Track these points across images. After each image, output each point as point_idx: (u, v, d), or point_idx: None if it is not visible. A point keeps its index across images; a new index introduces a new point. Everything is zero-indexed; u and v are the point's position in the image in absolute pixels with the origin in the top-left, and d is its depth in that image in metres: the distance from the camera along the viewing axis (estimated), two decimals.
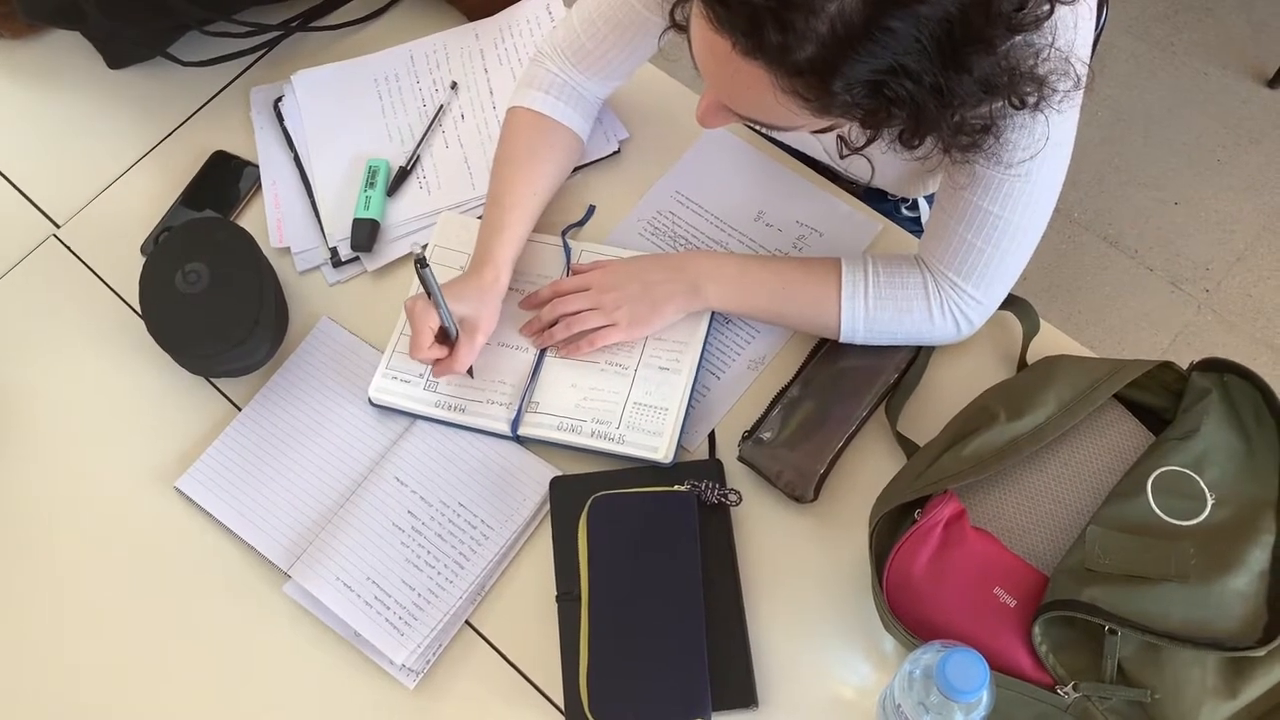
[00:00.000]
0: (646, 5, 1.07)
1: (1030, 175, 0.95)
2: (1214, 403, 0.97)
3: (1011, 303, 1.09)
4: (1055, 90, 0.83)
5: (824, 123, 0.84)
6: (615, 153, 1.25)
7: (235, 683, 1.03)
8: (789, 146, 1.27)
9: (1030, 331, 1.10)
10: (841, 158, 1.05)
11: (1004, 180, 0.96)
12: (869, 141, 0.93)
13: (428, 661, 1.01)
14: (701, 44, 0.81)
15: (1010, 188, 0.96)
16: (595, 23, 1.12)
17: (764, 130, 1.19)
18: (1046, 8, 0.78)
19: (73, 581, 1.08)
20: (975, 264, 1.02)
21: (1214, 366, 1.00)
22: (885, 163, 1.11)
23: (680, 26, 0.94)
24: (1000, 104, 0.82)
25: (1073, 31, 0.87)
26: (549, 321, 1.11)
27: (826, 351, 1.10)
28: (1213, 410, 0.97)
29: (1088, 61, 0.90)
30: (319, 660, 1.03)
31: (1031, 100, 0.83)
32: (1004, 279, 1.04)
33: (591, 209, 1.22)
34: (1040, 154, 0.92)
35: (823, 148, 1.15)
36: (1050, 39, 0.81)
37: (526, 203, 1.13)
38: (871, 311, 1.05)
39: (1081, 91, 0.88)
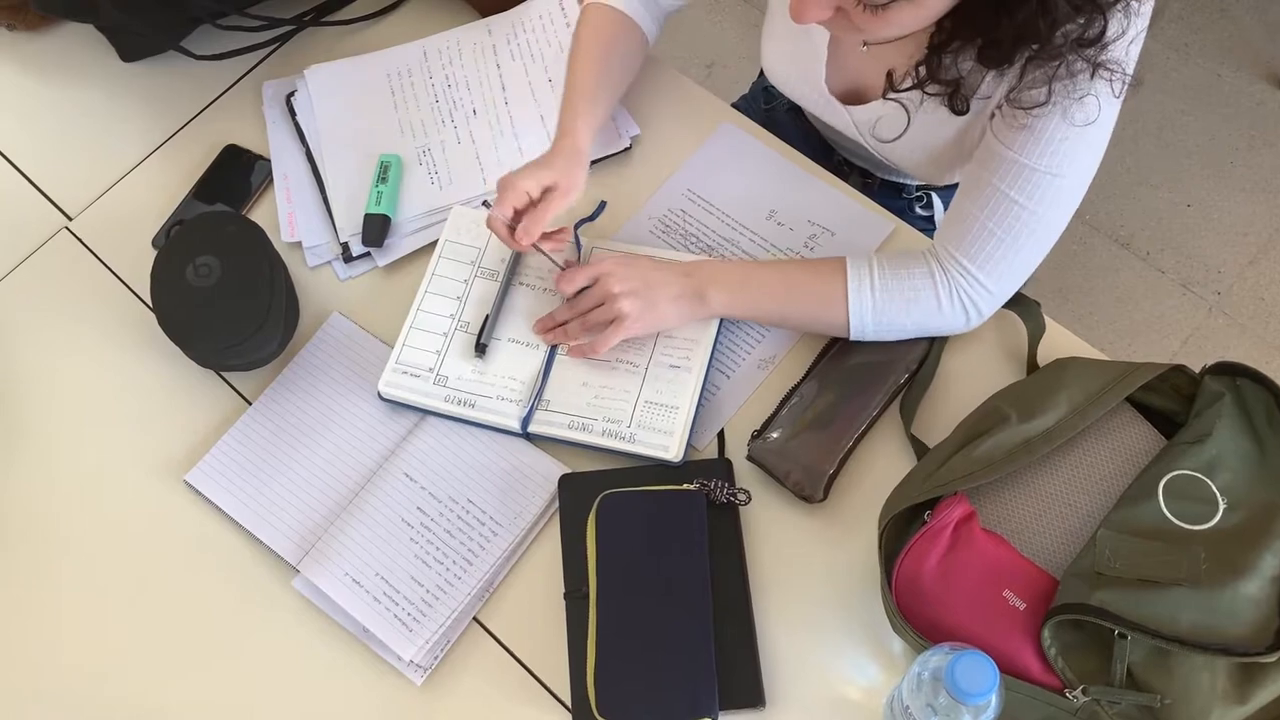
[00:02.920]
0: None
1: (1059, 172, 0.96)
2: (1226, 407, 0.97)
3: (1017, 302, 1.09)
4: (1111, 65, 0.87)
5: None
6: (627, 149, 1.25)
7: (242, 677, 1.03)
8: (806, 145, 1.27)
9: (1035, 332, 1.09)
10: (886, 97, 1.03)
11: (1034, 173, 0.96)
12: (920, 81, 0.93)
13: (435, 658, 1.01)
14: None
15: (1039, 180, 0.97)
16: None
17: (800, 90, 1.19)
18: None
19: (81, 574, 1.08)
20: (992, 252, 1.01)
21: (1227, 370, 0.99)
22: (921, 137, 1.10)
23: None
24: (1095, 14, 0.84)
25: (1128, 35, 0.89)
26: (563, 319, 1.11)
27: (836, 351, 1.10)
28: (1225, 414, 0.96)
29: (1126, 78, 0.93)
30: (327, 655, 1.03)
31: (1105, 41, 0.85)
32: (1017, 271, 1.04)
33: (602, 204, 1.21)
34: (1069, 153, 0.93)
35: (853, 121, 1.14)
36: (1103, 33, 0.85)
37: (602, 88, 1.16)
38: (879, 304, 1.05)
39: (1121, 98, 0.92)
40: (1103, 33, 0.85)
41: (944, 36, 0.90)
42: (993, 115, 1.00)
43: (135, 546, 1.09)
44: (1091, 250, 2.18)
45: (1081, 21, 0.84)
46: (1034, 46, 0.86)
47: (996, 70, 0.90)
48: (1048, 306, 1.11)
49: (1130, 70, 0.91)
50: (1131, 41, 0.91)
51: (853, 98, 1.16)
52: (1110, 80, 0.90)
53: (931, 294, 1.04)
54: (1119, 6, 0.85)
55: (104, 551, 1.09)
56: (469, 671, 1.02)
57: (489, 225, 1.08)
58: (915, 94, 1.00)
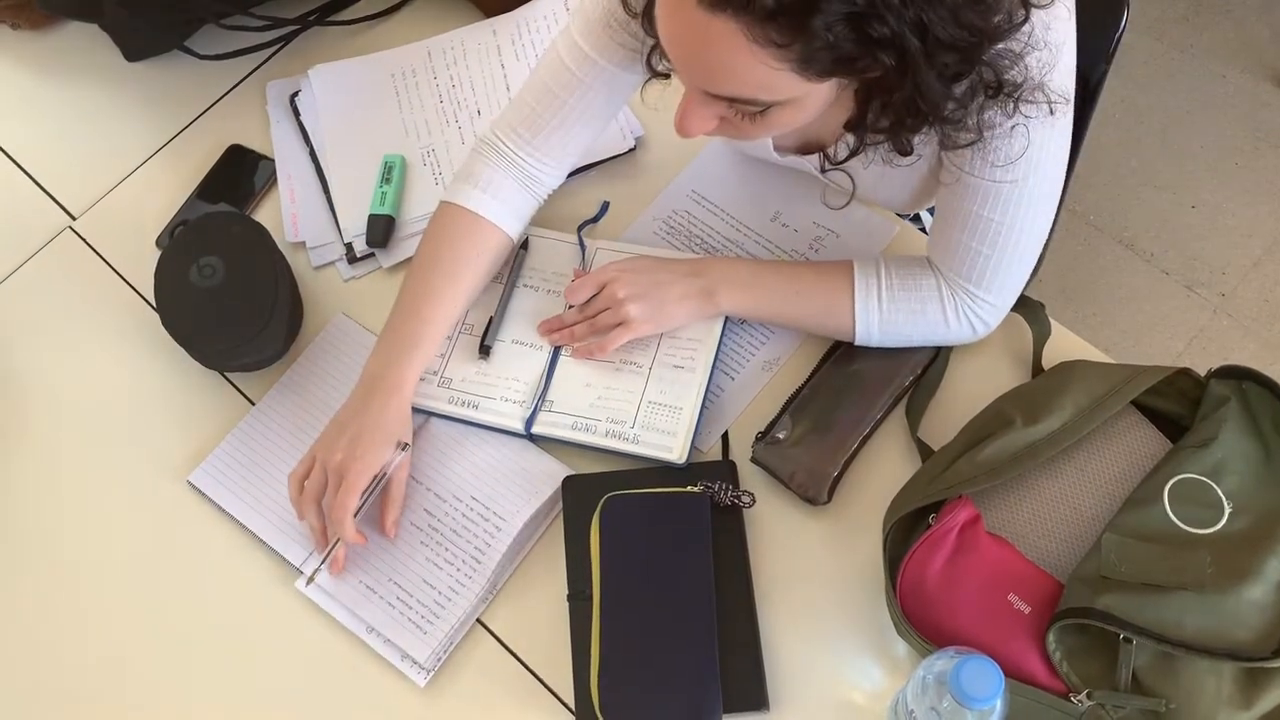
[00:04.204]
0: (606, 56, 1.02)
1: (1023, 180, 0.94)
2: (1232, 410, 0.97)
3: (1022, 305, 1.08)
4: (1030, 98, 0.85)
5: (810, 86, 0.80)
6: (631, 150, 1.24)
7: (245, 678, 1.03)
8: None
9: (1041, 334, 1.09)
10: (824, 171, 1.04)
11: (999, 188, 0.95)
12: (855, 150, 0.92)
13: (439, 659, 1.01)
14: (668, 18, 0.79)
15: (1008, 194, 0.95)
16: (550, 89, 1.06)
17: (750, 150, 1.18)
18: (1021, 14, 0.80)
19: (84, 575, 1.08)
20: (984, 270, 1.01)
21: (1232, 374, 0.99)
22: (871, 180, 1.09)
23: (658, 73, 0.95)
24: (983, 70, 0.82)
25: (1050, 65, 0.87)
26: (570, 323, 1.11)
27: (841, 353, 1.10)
28: (1231, 418, 0.96)
29: (1068, 94, 0.90)
30: (330, 656, 1.03)
31: (1008, 90, 0.83)
32: (1013, 280, 1.03)
33: (605, 205, 1.21)
34: (1031, 159, 0.92)
35: (812, 167, 1.14)
36: (1024, 44, 0.83)
37: (448, 317, 1.08)
38: (886, 315, 1.05)
39: (1067, 106, 0.90)
40: (999, 84, 0.83)
41: (857, 113, 0.88)
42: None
43: (138, 546, 1.09)
44: (1096, 252, 2.18)
45: (966, 88, 0.82)
46: (929, 118, 0.84)
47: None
48: (1051, 308, 1.10)
49: (1055, 94, 0.87)
50: (1050, 69, 0.87)
51: (808, 148, 1.13)
52: (1036, 109, 0.87)
53: (938, 308, 1.04)
54: (1014, 64, 0.82)
55: (106, 551, 1.09)
56: (472, 673, 1.02)
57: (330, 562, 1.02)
58: (856, 158, 0.98)
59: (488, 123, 1.13)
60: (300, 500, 1.04)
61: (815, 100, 0.83)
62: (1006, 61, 0.82)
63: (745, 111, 0.85)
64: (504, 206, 1.10)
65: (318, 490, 1.03)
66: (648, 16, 0.88)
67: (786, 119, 0.86)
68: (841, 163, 1.00)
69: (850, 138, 0.92)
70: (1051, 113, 0.88)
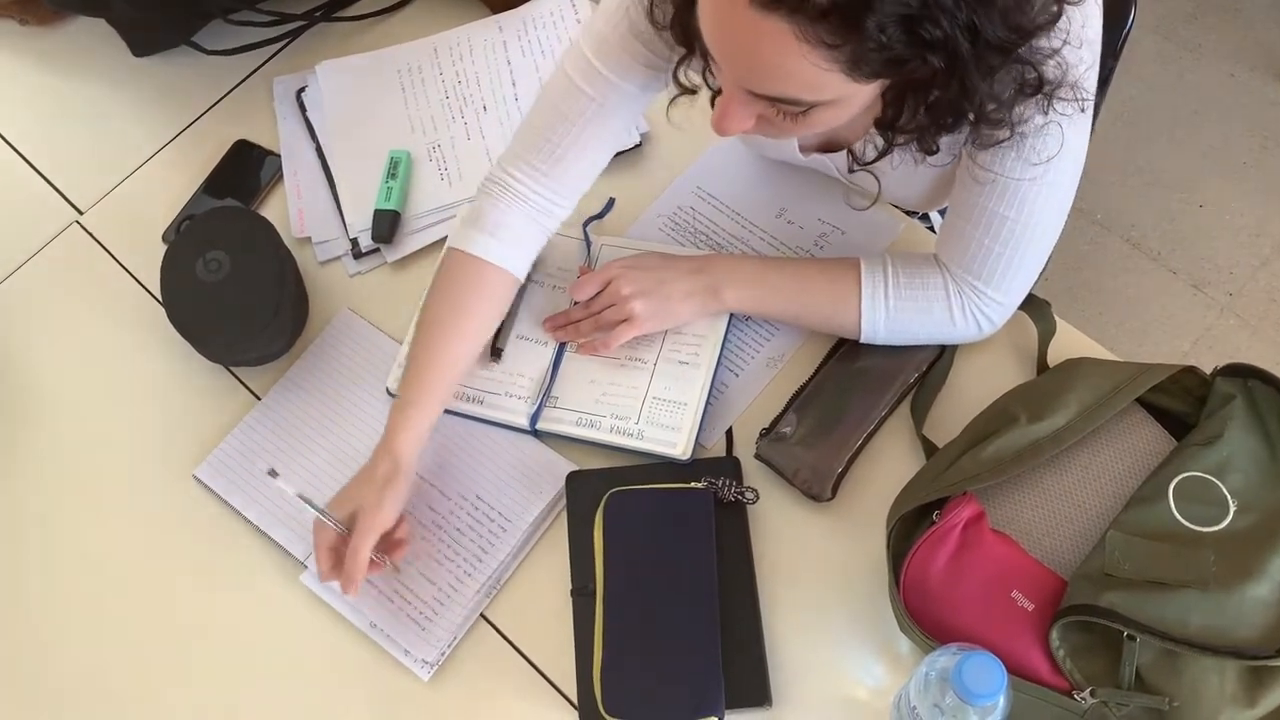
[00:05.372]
0: (624, 75, 1.00)
1: (1043, 179, 0.94)
2: (1237, 408, 0.96)
3: (1028, 302, 1.08)
4: (1065, 95, 0.84)
5: (858, 87, 0.79)
6: (637, 146, 1.24)
7: (250, 672, 1.03)
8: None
9: (1047, 332, 1.09)
10: (851, 171, 1.04)
11: (1018, 185, 0.95)
12: (885, 150, 0.92)
13: (442, 654, 1.01)
14: (714, 16, 0.78)
15: (1026, 191, 0.95)
16: (562, 113, 1.03)
17: (772, 153, 1.18)
18: (1055, 9, 0.78)
19: (89, 569, 1.08)
20: (994, 267, 1.01)
21: (1238, 372, 0.99)
22: (897, 179, 1.09)
23: (685, 89, 0.94)
24: (1026, 69, 0.81)
25: (1090, 63, 0.87)
26: (576, 319, 1.11)
27: (846, 350, 1.10)
28: (1236, 416, 0.96)
29: (1091, 94, 0.90)
30: (334, 650, 1.03)
31: (1047, 89, 0.83)
32: (1023, 279, 1.03)
33: (611, 201, 1.21)
34: (1054, 158, 0.92)
35: (835, 167, 1.14)
36: (1060, 42, 0.82)
37: (447, 374, 1.04)
38: (892, 312, 1.05)
39: (1092, 104, 0.89)
40: (1040, 82, 0.82)
41: (889, 112, 0.87)
42: (966, 140, 0.98)
43: (143, 541, 1.09)
44: (1103, 250, 2.17)
45: (1013, 85, 0.82)
46: (971, 117, 0.84)
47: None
48: (1058, 306, 1.10)
49: (1090, 95, 0.88)
50: (1088, 68, 0.87)
51: (830, 146, 1.12)
52: (1070, 106, 0.87)
53: (944, 306, 1.04)
54: (1050, 58, 0.82)
55: (111, 545, 1.09)
56: (475, 668, 1.02)
57: (328, 580, 1.00)
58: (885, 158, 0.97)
59: (494, 160, 1.09)
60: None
61: (858, 100, 0.82)
62: (1042, 56, 0.82)
63: (787, 111, 0.83)
64: (512, 250, 1.07)
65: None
66: (679, 24, 0.87)
67: (828, 118, 0.84)
68: (870, 163, 0.99)
69: (878, 137, 0.92)
70: (1083, 110, 0.88)
